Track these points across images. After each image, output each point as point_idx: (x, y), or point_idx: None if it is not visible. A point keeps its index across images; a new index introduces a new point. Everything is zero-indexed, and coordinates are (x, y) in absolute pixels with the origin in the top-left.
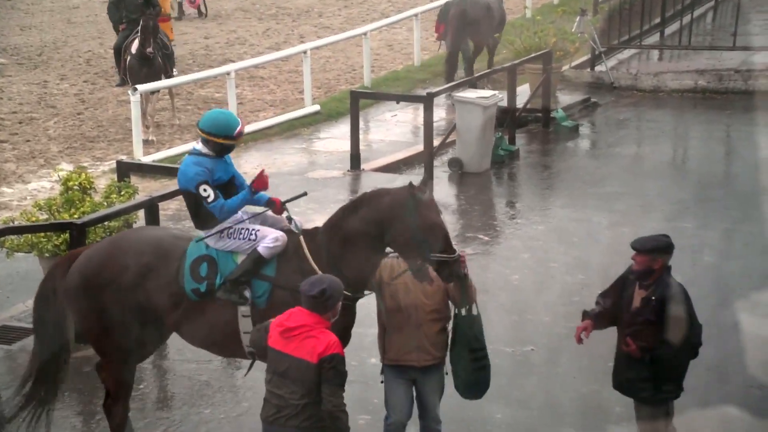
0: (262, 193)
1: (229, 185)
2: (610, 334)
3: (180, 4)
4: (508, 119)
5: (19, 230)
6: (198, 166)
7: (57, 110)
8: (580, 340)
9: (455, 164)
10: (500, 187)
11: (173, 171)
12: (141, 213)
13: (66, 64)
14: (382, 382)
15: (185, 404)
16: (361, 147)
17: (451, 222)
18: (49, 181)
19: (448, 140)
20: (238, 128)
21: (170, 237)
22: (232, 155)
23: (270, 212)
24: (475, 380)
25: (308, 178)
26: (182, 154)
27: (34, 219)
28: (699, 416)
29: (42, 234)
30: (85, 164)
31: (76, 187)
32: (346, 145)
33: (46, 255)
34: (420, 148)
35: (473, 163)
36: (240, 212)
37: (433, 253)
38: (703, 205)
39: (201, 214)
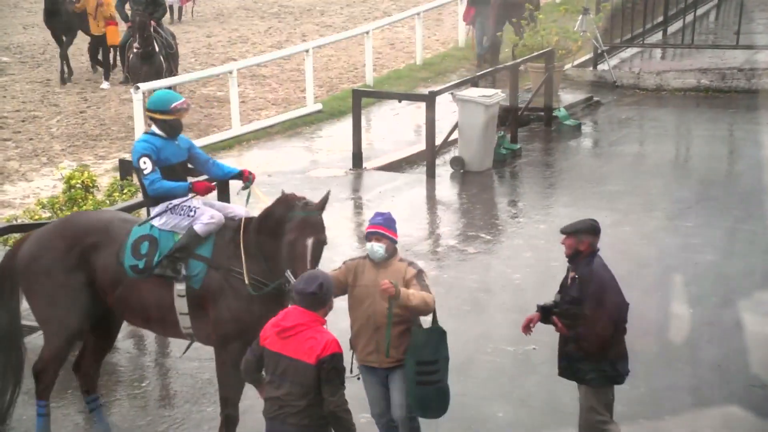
0: (233, 167)
1: (178, 170)
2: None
3: (180, 9)
4: (510, 118)
5: (22, 228)
6: (145, 142)
7: (60, 108)
8: (525, 331)
9: (457, 163)
10: (502, 186)
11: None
12: (143, 211)
13: (70, 61)
14: (358, 378)
15: (187, 402)
16: (363, 146)
17: (452, 221)
18: (52, 179)
19: (450, 139)
20: (174, 104)
21: (118, 219)
22: (235, 155)
23: (217, 202)
24: (416, 394)
25: (310, 176)
26: None
27: (37, 217)
28: (701, 415)
29: None
30: (88, 162)
31: (78, 186)
32: (347, 144)
33: None
34: (422, 146)
35: (475, 162)
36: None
37: (293, 270)
38: (706, 204)
39: (145, 191)
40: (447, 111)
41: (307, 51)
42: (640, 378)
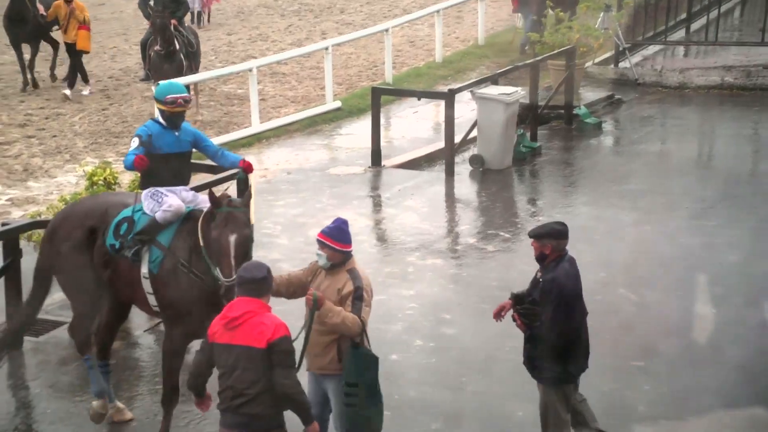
0: (236, 155)
1: (171, 160)
2: (637, 334)
3: (199, 14)
4: (530, 116)
5: (45, 224)
6: (143, 127)
7: (83, 106)
8: (496, 318)
9: (476, 161)
10: (522, 184)
11: (196, 166)
12: None
13: (91, 61)
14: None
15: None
16: (382, 143)
17: (472, 219)
18: (75, 176)
19: (470, 137)
20: (170, 96)
21: (119, 203)
22: (255, 152)
23: (192, 192)
24: (346, 413)
25: (329, 174)
26: None
27: None
28: (725, 416)
29: None
30: (110, 159)
31: (100, 182)
32: (367, 142)
33: None
34: (441, 144)
35: (495, 160)
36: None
37: (219, 270)
38: (729, 203)
39: (146, 175)
40: (466, 109)
41: (326, 49)
42: (663, 378)
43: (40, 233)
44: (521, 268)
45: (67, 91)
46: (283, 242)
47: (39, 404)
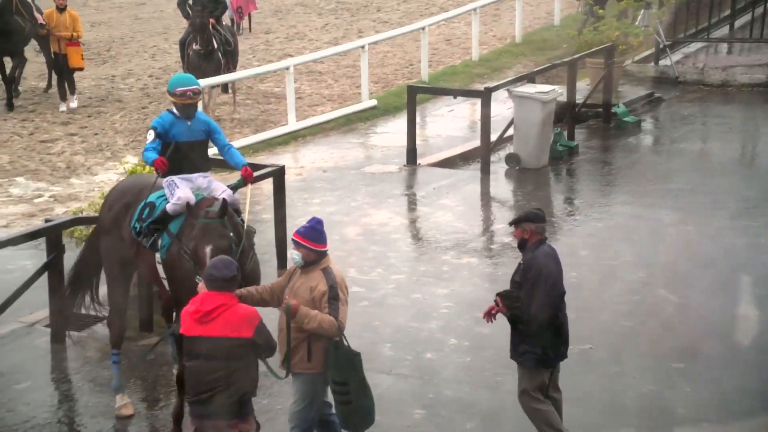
0: (243, 158)
1: (183, 148)
2: (678, 335)
3: (238, 25)
4: (567, 115)
5: (87, 221)
6: (159, 118)
7: (123, 104)
8: (487, 318)
9: (513, 160)
10: (558, 183)
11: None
12: None
13: (132, 59)
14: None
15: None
16: (418, 142)
17: (507, 218)
18: (116, 173)
19: (506, 135)
20: (179, 89)
21: (155, 186)
22: (291, 150)
23: (210, 179)
24: (339, 412)
25: (364, 172)
26: (243, 148)
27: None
28: None
29: None
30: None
31: None
32: (402, 140)
33: None
34: (477, 143)
35: (531, 159)
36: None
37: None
38: None
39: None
40: (503, 107)
41: (362, 47)
42: (705, 381)
43: (81, 229)
44: None
45: (64, 107)
46: None
47: (81, 398)
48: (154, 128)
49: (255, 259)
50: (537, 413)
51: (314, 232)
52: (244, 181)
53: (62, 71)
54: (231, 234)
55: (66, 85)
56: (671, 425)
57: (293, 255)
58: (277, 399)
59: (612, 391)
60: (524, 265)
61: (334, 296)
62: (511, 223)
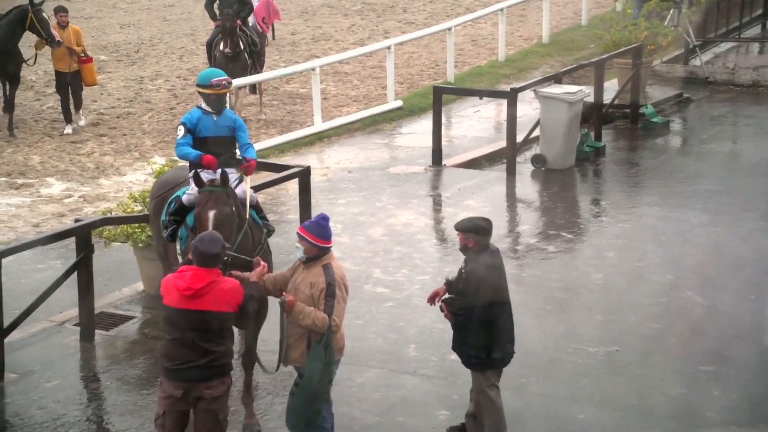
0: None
1: (209, 142)
2: (707, 338)
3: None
4: (594, 115)
5: (115, 221)
6: (188, 114)
7: (151, 105)
8: (431, 302)
9: (539, 160)
10: (585, 184)
11: (260, 166)
12: None
13: (161, 61)
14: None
15: (269, 394)
16: (443, 142)
17: (533, 219)
18: (144, 173)
19: (532, 136)
20: (215, 79)
21: (185, 179)
22: (316, 151)
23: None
24: (288, 402)
25: (390, 173)
26: (269, 149)
27: (129, 210)
28: None
29: (136, 225)
30: (176, 158)
31: None
32: (427, 141)
33: (140, 245)
34: (502, 144)
35: (557, 160)
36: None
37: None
38: None
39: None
40: (529, 108)
41: (388, 48)
42: (733, 384)
43: (110, 229)
44: (583, 269)
45: (70, 129)
46: (343, 240)
47: (109, 396)
48: (184, 123)
49: (266, 249)
50: (495, 407)
51: (318, 227)
52: (245, 171)
53: (67, 90)
54: (233, 206)
55: (73, 103)
56: (699, 428)
57: (297, 249)
58: None
59: (639, 394)
60: (466, 276)
61: (330, 294)
62: (456, 229)
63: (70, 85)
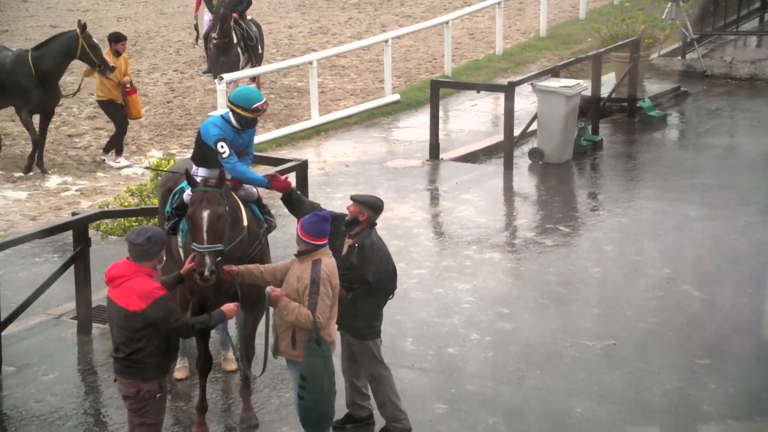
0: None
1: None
2: (704, 332)
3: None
4: (591, 109)
5: (112, 215)
6: (220, 129)
7: (148, 99)
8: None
9: (536, 154)
10: (582, 178)
11: (258, 159)
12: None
13: (157, 54)
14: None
15: (266, 387)
16: (441, 136)
17: (530, 213)
18: (141, 167)
19: (529, 130)
20: (256, 104)
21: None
22: (313, 145)
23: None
24: (296, 405)
25: (387, 167)
26: (266, 142)
27: (126, 204)
28: None
29: (133, 218)
30: (174, 151)
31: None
32: (425, 135)
33: None
34: (500, 138)
35: (555, 154)
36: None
37: (193, 243)
38: None
39: (197, 156)
40: (526, 102)
41: (386, 41)
42: (731, 378)
43: (107, 223)
44: (580, 263)
45: (112, 162)
46: None
47: (106, 389)
48: (224, 140)
49: (264, 245)
50: (386, 380)
51: (309, 223)
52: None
53: (124, 122)
54: (226, 206)
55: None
56: (696, 422)
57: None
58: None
59: (636, 388)
60: (365, 249)
61: (314, 290)
62: (353, 200)
63: (123, 122)
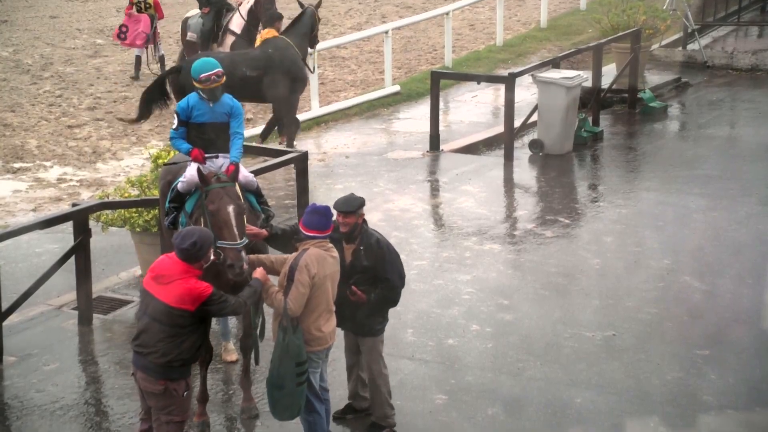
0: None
1: (207, 129)
2: (704, 323)
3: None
4: (592, 100)
5: (112, 205)
6: (183, 101)
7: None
8: (352, 296)
9: (536, 146)
10: (582, 170)
11: (258, 150)
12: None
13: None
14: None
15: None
16: (441, 128)
17: (530, 204)
18: (141, 158)
19: (530, 121)
20: (203, 74)
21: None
22: (314, 136)
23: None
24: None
25: (387, 158)
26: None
27: (126, 195)
28: None
29: (134, 209)
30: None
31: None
32: (425, 126)
33: (137, 230)
34: (500, 129)
35: (555, 145)
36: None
37: (219, 240)
38: None
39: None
40: (527, 93)
41: (386, 32)
42: (731, 368)
43: (107, 214)
44: (580, 254)
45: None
46: None
47: (107, 380)
48: (177, 113)
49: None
50: (386, 379)
51: (306, 213)
52: (225, 173)
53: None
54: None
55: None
56: (696, 412)
57: None
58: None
59: (636, 378)
60: (378, 248)
61: (290, 278)
62: (346, 212)
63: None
